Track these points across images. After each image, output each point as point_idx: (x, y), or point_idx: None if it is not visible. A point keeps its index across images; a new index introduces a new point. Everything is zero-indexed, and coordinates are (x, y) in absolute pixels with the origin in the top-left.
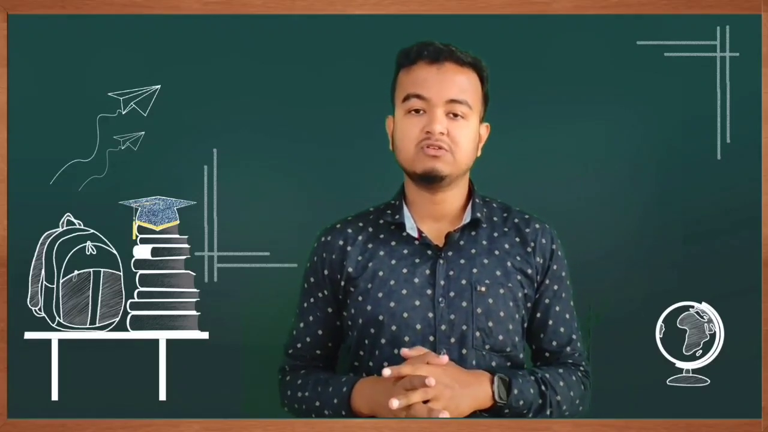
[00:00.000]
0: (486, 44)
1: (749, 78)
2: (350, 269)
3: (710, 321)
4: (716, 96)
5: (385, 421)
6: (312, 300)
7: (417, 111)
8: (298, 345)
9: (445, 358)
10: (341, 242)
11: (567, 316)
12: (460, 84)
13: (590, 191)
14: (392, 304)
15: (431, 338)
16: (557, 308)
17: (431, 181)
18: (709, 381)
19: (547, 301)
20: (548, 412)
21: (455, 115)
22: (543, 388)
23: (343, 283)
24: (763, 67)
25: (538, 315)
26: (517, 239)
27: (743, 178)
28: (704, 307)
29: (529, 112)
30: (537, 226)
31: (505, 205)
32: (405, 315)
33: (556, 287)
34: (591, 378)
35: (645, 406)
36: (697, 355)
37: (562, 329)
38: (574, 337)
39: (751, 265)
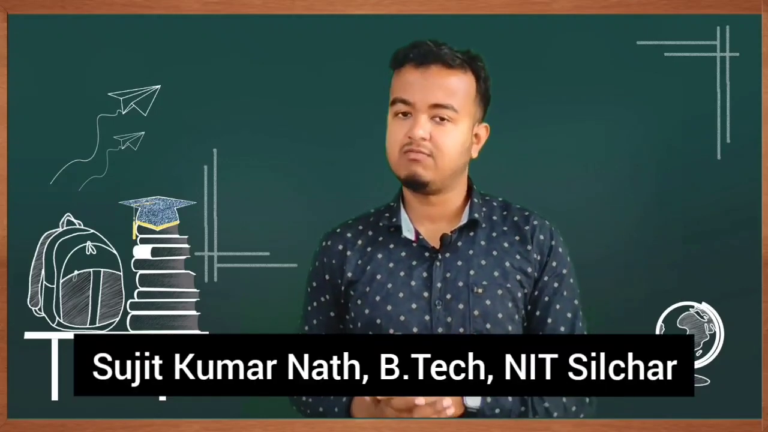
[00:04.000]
0: (486, 44)
1: (749, 78)
2: (350, 274)
3: (710, 321)
4: (716, 96)
5: (385, 421)
6: (315, 304)
7: (404, 115)
8: None
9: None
10: (341, 247)
11: (569, 315)
12: (446, 88)
13: (590, 191)
14: (389, 308)
15: None
16: (558, 306)
17: (414, 186)
18: (709, 381)
19: (546, 299)
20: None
21: (441, 119)
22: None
23: (343, 288)
24: (763, 67)
25: (537, 313)
26: (517, 237)
27: (743, 178)
28: (704, 307)
29: (529, 112)
30: (536, 222)
31: (506, 202)
32: (402, 318)
33: (556, 284)
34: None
35: (645, 406)
36: (697, 355)
37: (562, 328)
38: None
39: (751, 265)
